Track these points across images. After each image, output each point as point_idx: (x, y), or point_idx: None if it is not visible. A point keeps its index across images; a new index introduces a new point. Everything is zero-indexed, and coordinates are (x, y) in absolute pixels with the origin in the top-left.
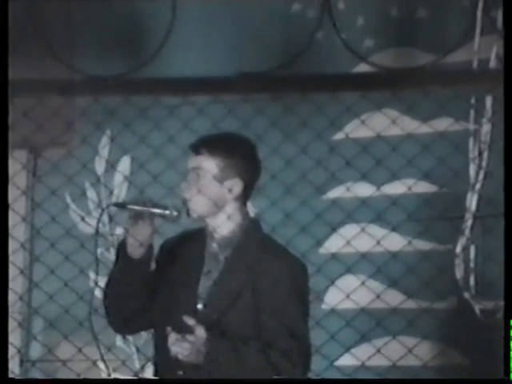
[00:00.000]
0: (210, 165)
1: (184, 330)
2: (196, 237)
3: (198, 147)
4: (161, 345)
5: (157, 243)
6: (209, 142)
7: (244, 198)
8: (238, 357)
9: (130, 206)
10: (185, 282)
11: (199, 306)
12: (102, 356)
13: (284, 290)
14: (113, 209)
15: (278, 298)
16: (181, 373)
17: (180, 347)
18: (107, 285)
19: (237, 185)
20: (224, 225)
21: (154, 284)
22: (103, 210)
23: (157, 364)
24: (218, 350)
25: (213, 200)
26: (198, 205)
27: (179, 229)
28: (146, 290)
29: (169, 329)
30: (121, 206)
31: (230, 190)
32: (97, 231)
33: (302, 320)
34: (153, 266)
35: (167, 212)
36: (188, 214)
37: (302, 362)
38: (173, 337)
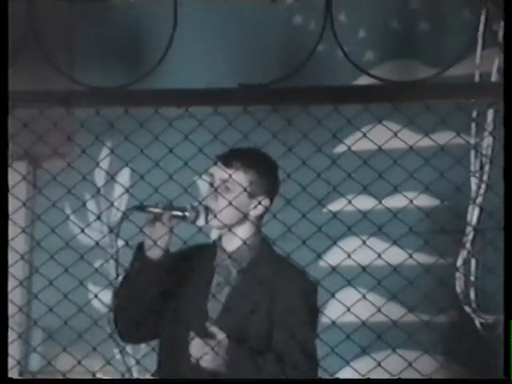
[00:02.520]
0: (242, 179)
1: (204, 337)
2: (205, 252)
3: (230, 159)
4: (167, 355)
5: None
6: (241, 155)
7: (263, 216)
8: (255, 367)
9: (150, 209)
10: (194, 296)
11: (211, 315)
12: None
13: (298, 308)
14: (129, 212)
15: (292, 316)
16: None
17: (202, 351)
18: (120, 286)
19: (263, 202)
20: (237, 239)
21: (165, 293)
22: (124, 214)
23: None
24: (239, 358)
25: (235, 215)
26: (222, 216)
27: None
28: (158, 295)
29: (192, 334)
30: (141, 209)
31: (255, 207)
32: (117, 235)
33: (313, 337)
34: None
35: (186, 214)
36: (207, 222)
37: (311, 374)
38: (196, 342)
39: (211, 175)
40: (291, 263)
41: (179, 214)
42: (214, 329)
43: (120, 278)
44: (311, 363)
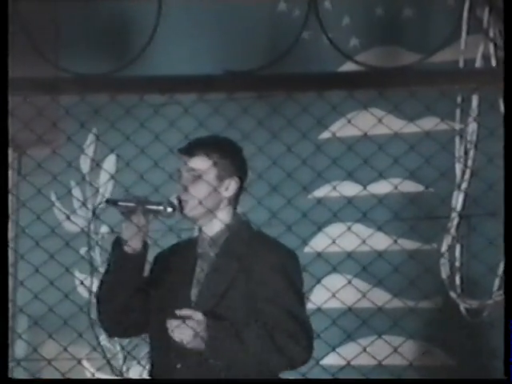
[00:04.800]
0: (206, 165)
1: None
2: (188, 244)
3: (191, 149)
4: (157, 343)
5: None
6: (202, 144)
7: (237, 196)
8: (241, 340)
9: (122, 203)
10: (178, 286)
11: (192, 299)
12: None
13: (278, 277)
14: (102, 206)
15: (272, 286)
16: (179, 366)
17: (181, 333)
18: (101, 284)
19: (233, 183)
20: (216, 224)
21: (149, 288)
22: (95, 208)
23: (153, 362)
24: (219, 334)
25: (210, 200)
26: (195, 204)
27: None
28: (139, 289)
29: (169, 319)
30: (112, 202)
31: (226, 189)
32: (88, 229)
33: (301, 305)
34: (147, 273)
35: (161, 208)
36: (182, 213)
37: (308, 343)
38: (173, 323)
39: (178, 170)
40: (268, 238)
41: (154, 208)
42: (188, 311)
43: (99, 269)
44: (305, 329)
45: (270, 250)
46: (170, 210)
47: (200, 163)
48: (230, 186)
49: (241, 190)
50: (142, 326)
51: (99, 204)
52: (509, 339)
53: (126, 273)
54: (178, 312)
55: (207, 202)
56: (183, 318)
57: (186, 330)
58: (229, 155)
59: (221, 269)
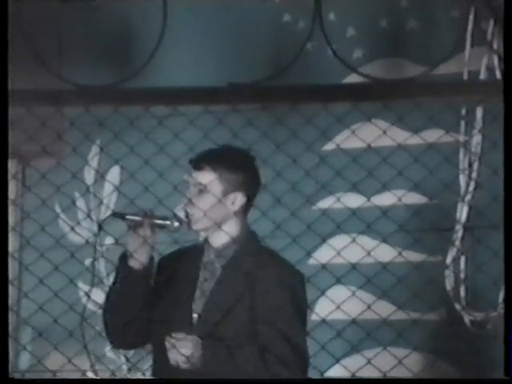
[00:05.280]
0: (210, 179)
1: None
2: (193, 252)
3: (199, 162)
4: (160, 359)
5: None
6: (210, 157)
7: (245, 210)
8: (233, 360)
9: (129, 217)
10: (181, 295)
11: (194, 315)
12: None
13: (280, 297)
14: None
15: (273, 306)
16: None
17: (176, 354)
18: (107, 297)
19: (239, 198)
20: (223, 235)
21: (153, 298)
22: (102, 222)
23: (154, 374)
24: (212, 353)
25: (216, 215)
26: (201, 219)
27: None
28: (145, 302)
29: (167, 338)
30: (119, 216)
31: (232, 204)
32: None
33: (299, 327)
34: (151, 281)
35: (168, 222)
36: (189, 227)
37: (300, 367)
38: (168, 344)
39: (186, 182)
40: (277, 255)
41: (161, 222)
42: (180, 335)
43: (103, 281)
44: (297, 353)
45: (276, 268)
46: (176, 224)
47: (206, 177)
48: (236, 201)
49: (250, 203)
50: (148, 337)
51: (106, 218)
52: (509, 339)
53: (132, 286)
54: (173, 335)
55: (213, 216)
56: (178, 340)
57: (182, 350)
58: (237, 169)
59: (228, 283)
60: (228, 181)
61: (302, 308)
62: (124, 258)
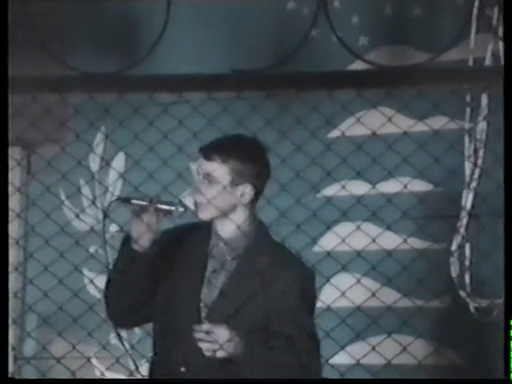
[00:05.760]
0: (222, 171)
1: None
2: (198, 233)
3: (209, 153)
4: (161, 339)
5: None
6: (220, 147)
7: (254, 201)
8: (271, 351)
9: (135, 201)
10: (187, 281)
11: (202, 298)
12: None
13: (294, 295)
14: (114, 204)
15: (288, 303)
16: (183, 369)
17: (211, 343)
18: (109, 278)
19: (248, 190)
20: (230, 224)
21: (156, 276)
22: (108, 206)
23: (153, 361)
24: (252, 342)
25: (224, 205)
26: (209, 209)
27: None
28: (148, 283)
29: (196, 328)
30: (125, 200)
31: (241, 195)
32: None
33: (312, 319)
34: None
35: (173, 208)
36: (197, 215)
37: (319, 360)
38: (198, 334)
39: (196, 169)
40: (288, 250)
41: (166, 207)
42: (206, 326)
43: (110, 267)
44: (316, 346)
45: (289, 266)
46: (181, 210)
47: (216, 168)
48: (246, 192)
49: (258, 193)
50: (149, 316)
51: (112, 202)
52: (509, 339)
53: (134, 270)
54: (203, 327)
55: (221, 206)
56: (206, 332)
57: (218, 341)
58: (248, 160)
59: (242, 279)
60: (239, 172)
61: (312, 303)
62: (127, 240)
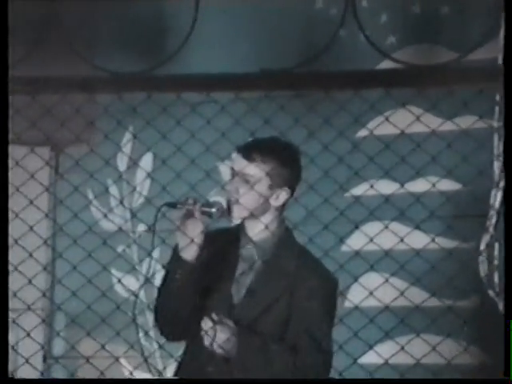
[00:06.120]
0: (261, 172)
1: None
2: (228, 236)
3: (250, 152)
4: (192, 342)
5: None
6: (261, 147)
7: (285, 205)
8: (266, 355)
9: (181, 206)
10: (220, 282)
11: (234, 301)
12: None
13: (317, 302)
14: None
15: (307, 309)
16: (211, 369)
17: (212, 336)
18: (160, 289)
19: (284, 193)
20: (260, 226)
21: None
22: (159, 210)
23: (181, 361)
24: (248, 343)
25: (257, 207)
26: (243, 209)
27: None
28: (198, 292)
29: (205, 319)
30: (172, 205)
31: (277, 198)
32: (153, 229)
33: (329, 334)
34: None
35: (213, 210)
36: (229, 215)
37: (324, 369)
38: (206, 324)
39: (232, 167)
40: (313, 256)
41: (207, 210)
42: (218, 317)
43: (159, 280)
44: (326, 361)
45: (314, 273)
46: (220, 211)
47: (255, 170)
48: (281, 196)
49: (290, 198)
50: (197, 326)
51: (161, 207)
52: (509, 339)
53: (184, 280)
54: (212, 315)
55: (255, 208)
56: (216, 322)
57: (218, 334)
58: (287, 164)
59: (268, 281)
60: (277, 176)
61: (332, 313)
62: (176, 250)
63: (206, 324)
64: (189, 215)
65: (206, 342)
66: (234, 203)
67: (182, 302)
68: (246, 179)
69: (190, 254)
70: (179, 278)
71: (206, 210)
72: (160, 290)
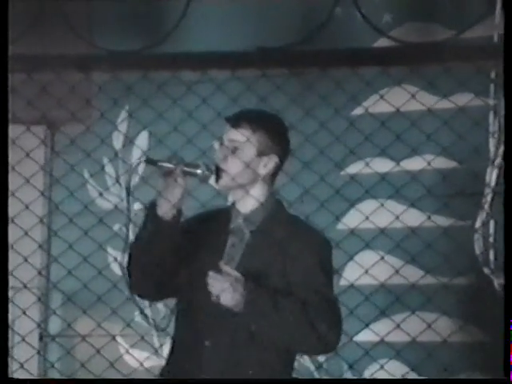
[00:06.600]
0: (250, 139)
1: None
2: (219, 216)
3: (238, 120)
4: (185, 316)
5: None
6: (249, 116)
7: (274, 176)
8: (276, 308)
9: (162, 163)
10: (209, 259)
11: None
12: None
13: (312, 261)
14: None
15: (304, 270)
16: (207, 343)
17: (219, 285)
18: (132, 247)
19: (272, 161)
20: (250, 201)
21: (180, 253)
22: (136, 166)
23: (176, 338)
24: (257, 297)
25: (245, 175)
26: (231, 176)
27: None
28: (173, 253)
29: (210, 272)
30: (152, 162)
31: (264, 166)
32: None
33: (331, 288)
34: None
35: (198, 171)
36: (217, 182)
37: (337, 325)
38: (212, 275)
39: (220, 137)
40: (305, 223)
41: (192, 170)
42: (226, 268)
43: (134, 237)
44: (335, 312)
45: (306, 235)
46: (206, 173)
47: (242, 135)
48: (269, 164)
49: (278, 169)
50: (173, 289)
51: (139, 162)
52: (509, 339)
53: (159, 236)
54: (221, 265)
55: (243, 176)
56: (223, 273)
57: (224, 285)
58: (274, 133)
59: (258, 250)
60: (264, 142)
61: (330, 272)
62: (153, 206)
63: (211, 276)
64: (170, 174)
65: (213, 291)
66: (221, 170)
67: (155, 258)
68: (233, 146)
69: (165, 211)
70: (152, 233)
71: (190, 170)
72: (131, 246)
